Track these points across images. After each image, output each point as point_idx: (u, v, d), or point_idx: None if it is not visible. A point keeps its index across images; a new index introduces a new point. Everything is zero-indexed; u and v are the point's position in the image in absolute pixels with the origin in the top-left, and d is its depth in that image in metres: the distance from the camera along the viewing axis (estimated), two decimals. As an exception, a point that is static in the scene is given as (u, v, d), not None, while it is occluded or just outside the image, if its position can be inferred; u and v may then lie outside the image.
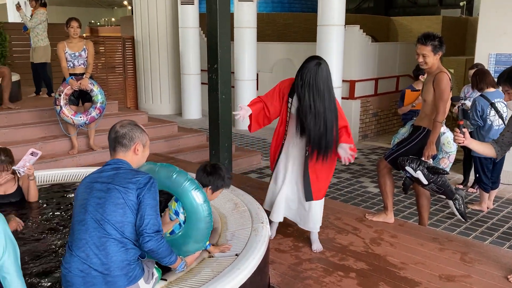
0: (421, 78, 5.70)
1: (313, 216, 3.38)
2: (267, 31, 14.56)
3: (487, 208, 5.35)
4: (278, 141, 3.49)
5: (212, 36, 5.33)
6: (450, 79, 3.72)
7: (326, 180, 3.39)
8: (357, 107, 8.92)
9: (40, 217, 3.48)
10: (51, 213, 3.54)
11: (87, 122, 5.72)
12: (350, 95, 8.86)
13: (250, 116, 3.39)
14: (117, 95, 11.62)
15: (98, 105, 5.69)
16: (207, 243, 2.67)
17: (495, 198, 5.59)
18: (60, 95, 5.53)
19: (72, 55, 5.54)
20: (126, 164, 2.28)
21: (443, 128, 4.82)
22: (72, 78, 5.49)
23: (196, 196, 2.41)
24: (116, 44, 12.05)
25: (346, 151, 3.22)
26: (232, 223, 3.16)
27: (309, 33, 14.74)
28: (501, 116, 5.04)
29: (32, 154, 3.44)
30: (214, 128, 5.64)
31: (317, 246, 3.48)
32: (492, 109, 5.03)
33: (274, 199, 3.44)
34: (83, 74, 5.60)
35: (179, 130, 7.49)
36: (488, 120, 5.05)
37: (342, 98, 8.61)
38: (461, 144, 3.12)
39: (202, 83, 11.01)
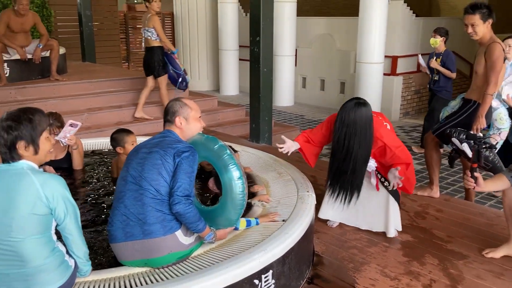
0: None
1: None
2: (304, 7, 14.29)
3: None
4: None
5: (255, 8, 5.29)
6: (504, 49, 3.58)
7: None
8: (399, 84, 8.72)
9: (83, 184, 3.60)
10: (93, 180, 3.68)
11: None
12: (392, 71, 8.66)
13: (302, 151, 3.32)
14: (156, 71, 11.74)
15: None
16: (255, 219, 2.68)
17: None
18: None
19: None
20: (173, 134, 2.44)
21: (496, 103, 4.64)
22: None
23: (232, 171, 2.39)
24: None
25: (395, 176, 3.01)
26: (277, 191, 3.17)
27: (348, 9, 14.40)
28: None
29: (71, 125, 3.41)
30: (255, 102, 5.64)
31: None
32: None
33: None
34: None
35: (218, 105, 7.52)
36: None
37: (384, 74, 8.44)
38: (474, 190, 2.86)
39: (240, 59, 11.00)
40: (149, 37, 5.94)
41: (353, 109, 2.98)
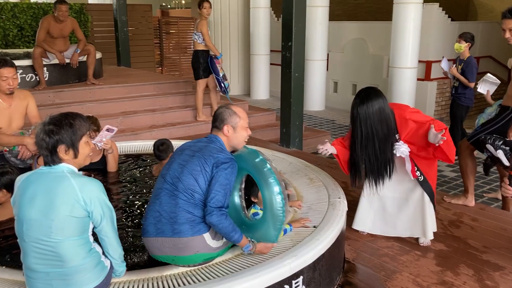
0: None
1: None
2: (337, 11, 14.21)
3: None
4: None
5: (287, 13, 5.31)
6: None
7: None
8: (433, 89, 8.56)
9: (117, 186, 3.71)
10: (127, 183, 3.78)
11: None
12: (426, 77, 8.51)
13: (338, 158, 3.27)
14: (189, 75, 11.93)
15: None
16: (290, 226, 2.65)
17: None
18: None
19: None
20: (219, 141, 2.45)
21: None
22: None
23: (273, 186, 2.34)
24: (189, 25, 12.33)
25: (435, 135, 2.90)
26: (307, 197, 3.17)
27: (381, 14, 14.25)
28: None
29: (108, 130, 3.49)
30: (286, 106, 5.66)
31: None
32: None
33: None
34: None
35: (249, 109, 7.56)
36: None
37: (418, 79, 8.30)
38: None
39: (271, 64, 11.04)
40: (195, 40, 6.11)
41: (361, 100, 2.95)
